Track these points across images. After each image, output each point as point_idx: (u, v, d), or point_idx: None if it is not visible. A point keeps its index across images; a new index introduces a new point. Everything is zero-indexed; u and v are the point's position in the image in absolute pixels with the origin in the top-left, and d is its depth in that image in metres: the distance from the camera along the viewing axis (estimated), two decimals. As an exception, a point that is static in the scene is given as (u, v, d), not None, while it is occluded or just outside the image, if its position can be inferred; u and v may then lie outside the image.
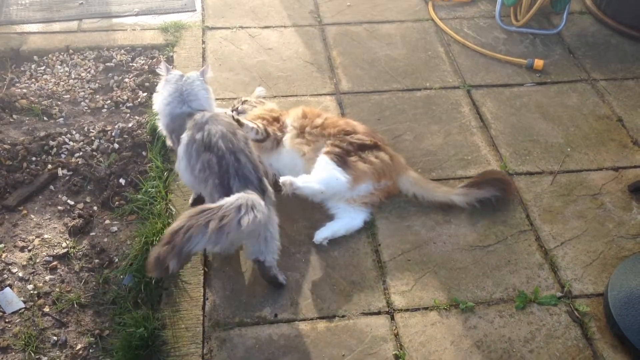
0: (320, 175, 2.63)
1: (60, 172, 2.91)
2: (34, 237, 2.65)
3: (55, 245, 2.63)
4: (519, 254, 2.68)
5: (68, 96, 3.33)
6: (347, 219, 2.72)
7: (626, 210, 2.88)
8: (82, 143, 3.05)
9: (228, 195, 2.25)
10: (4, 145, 2.96)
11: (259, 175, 2.38)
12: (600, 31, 3.99)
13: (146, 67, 3.51)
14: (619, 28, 3.94)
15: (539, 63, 3.63)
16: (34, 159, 2.95)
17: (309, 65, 3.62)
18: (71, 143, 3.04)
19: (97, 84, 3.42)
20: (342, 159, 2.68)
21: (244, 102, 3.05)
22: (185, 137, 2.42)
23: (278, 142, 2.82)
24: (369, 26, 3.97)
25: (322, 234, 2.66)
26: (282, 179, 2.57)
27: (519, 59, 3.69)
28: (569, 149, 3.17)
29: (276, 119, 2.88)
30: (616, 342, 2.36)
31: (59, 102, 3.29)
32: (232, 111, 3.02)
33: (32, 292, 2.45)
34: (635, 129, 3.30)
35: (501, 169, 3.03)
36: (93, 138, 3.07)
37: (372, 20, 4.01)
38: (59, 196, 2.82)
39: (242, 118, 2.74)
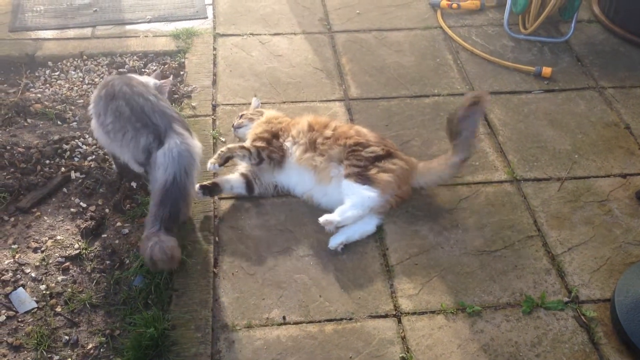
0: (353, 201, 2.68)
1: (73, 175, 2.96)
2: (46, 238, 2.70)
3: (68, 247, 2.67)
4: (526, 259, 2.69)
5: (81, 101, 3.39)
6: (360, 224, 2.74)
7: (633, 216, 2.88)
8: (94, 147, 3.10)
9: (158, 132, 2.43)
10: (19, 149, 3.01)
11: (176, 112, 2.56)
12: (608, 39, 4.01)
13: (158, 73, 3.56)
14: (627, 36, 3.96)
15: (547, 71, 3.65)
16: (47, 162, 3.00)
17: (318, 72, 3.66)
18: (84, 147, 3.09)
19: (109, 89, 3.47)
20: (364, 177, 2.72)
21: (241, 117, 3.09)
22: (92, 97, 2.66)
23: (279, 161, 2.86)
24: (378, 34, 4.01)
25: (337, 240, 2.68)
26: (321, 220, 2.65)
27: (527, 66, 3.72)
28: (576, 156, 3.18)
29: (276, 136, 2.91)
30: (622, 347, 2.37)
31: (73, 107, 3.35)
32: (233, 128, 3.09)
33: (44, 292, 2.49)
34: (643, 136, 3.32)
35: (508, 175, 3.05)
36: (105, 142, 3.13)
37: (381, 28, 4.05)
38: (72, 198, 2.87)
39: (233, 145, 2.83)
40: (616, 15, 4.02)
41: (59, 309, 2.45)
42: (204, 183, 2.79)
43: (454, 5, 4.17)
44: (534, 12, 3.87)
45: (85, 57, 3.67)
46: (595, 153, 3.21)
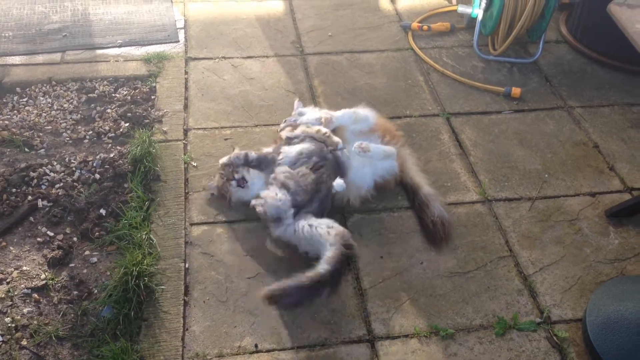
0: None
1: (40, 203, 2.90)
2: (12, 269, 2.63)
3: (34, 277, 2.61)
4: (499, 280, 2.70)
5: (50, 127, 3.34)
6: None
7: (603, 235, 2.91)
8: (62, 174, 3.05)
9: None
10: (-16, 177, 2.96)
11: None
12: (576, 59, 4.09)
13: (129, 97, 3.54)
14: (594, 56, 4.04)
15: (516, 91, 3.70)
16: (14, 190, 2.94)
17: (290, 95, 3.67)
18: (52, 174, 3.04)
19: (79, 115, 3.43)
20: None
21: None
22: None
23: None
24: (350, 55, 4.03)
25: None
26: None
27: (496, 87, 3.76)
28: (546, 175, 3.22)
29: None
30: (595, 367, 2.38)
31: (41, 134, 3.30)
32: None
33: (9, 325, 2.42)
34: (611, 154, 3.36)
35: (480, 195, 3.07)
36: (74, 169, 3.08)
37: (353, 50, 4.08)
38: (39, 227, 2.81)
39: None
40: (583, 35, 4.10)
41: (24, 342, 2.38)
42: None
43: (425, 27, 4.22)
44: (503, 34, 3.93)
45: (54, 82, 3.63)
46: (564, 172, 3.24)
